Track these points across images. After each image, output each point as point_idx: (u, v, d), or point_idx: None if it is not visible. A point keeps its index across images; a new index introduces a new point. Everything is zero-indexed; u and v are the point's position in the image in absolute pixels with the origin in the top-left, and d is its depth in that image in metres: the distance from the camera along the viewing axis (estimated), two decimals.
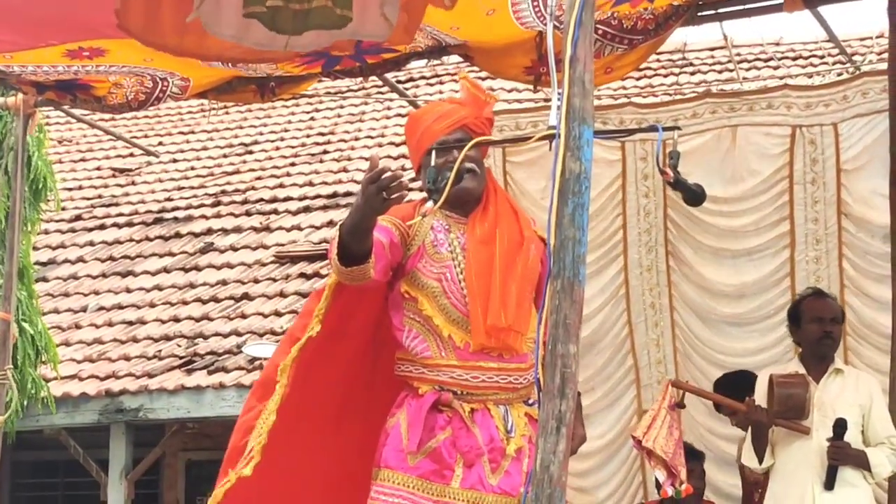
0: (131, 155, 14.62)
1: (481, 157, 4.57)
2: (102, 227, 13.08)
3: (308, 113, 14.70)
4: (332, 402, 4.63)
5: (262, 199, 12.71)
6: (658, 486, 6.10)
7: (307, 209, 12.26)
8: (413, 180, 5.61)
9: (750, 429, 5.99)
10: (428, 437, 4.38)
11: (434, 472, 4.36)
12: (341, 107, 14.62)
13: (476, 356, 4.39)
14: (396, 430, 4.43)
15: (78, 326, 11.04)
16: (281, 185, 12.90)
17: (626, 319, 6.92)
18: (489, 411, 4.40)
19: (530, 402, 4.48)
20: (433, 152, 4.39)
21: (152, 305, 11.17)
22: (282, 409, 4.51)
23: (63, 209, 13.26)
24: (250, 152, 14.08)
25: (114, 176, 14.37)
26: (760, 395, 5.98)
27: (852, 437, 5.80)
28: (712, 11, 5.52)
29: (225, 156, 14.17)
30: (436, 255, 4.46)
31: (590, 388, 6.83)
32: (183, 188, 13.53)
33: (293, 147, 13.89)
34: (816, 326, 6.01)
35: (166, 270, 11.79)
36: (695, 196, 4.18)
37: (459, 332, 4.40)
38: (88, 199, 13.80)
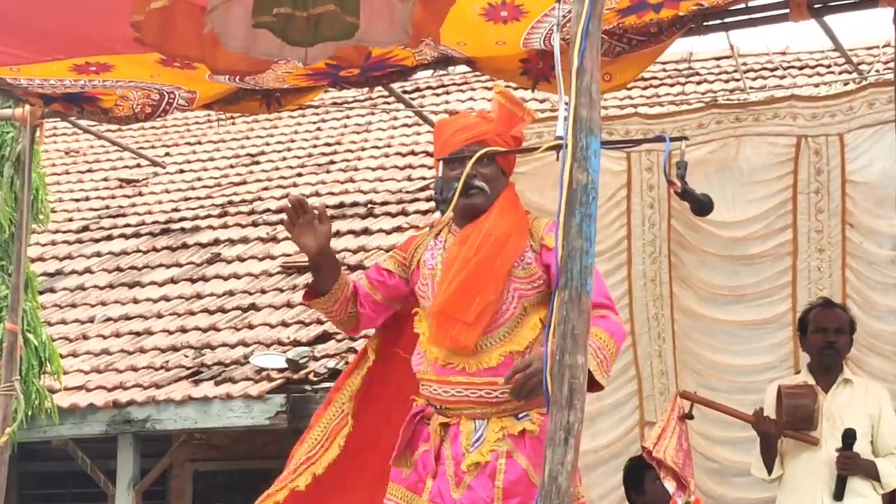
0: (138, 166, 14.62)
1: (493, 173, 4.53)
2: (109, 237, 13.07)
3: (314, 123, 14.70)
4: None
5: (268, 210, 12.71)
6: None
7: None
8: (425, 179, 5.64)
9: (759, 439, 5.99)
10: (414, 449, 4.50)
11: (414, 484, 4.49)
12: (347, 117, 14.63)
13: (445, 370, 4.43)
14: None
15: (85, 337, 11.05)
16: (287, 196, 12.86)
17: (629, 330, 6.90)
18: (460, 426, 4.42)
19: (520, 415, 4.46)
20: (441, 164, 4.43)
21: (159, 316, 11.16)
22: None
23: (70, 220, 13.30)
24: (257, 163, 14.09)
25: (121, 187, 14.37)
26: (769, 406, 5.98)
27: (861, 447, 5.80)
28: (718, 21, 5.53)
29: (231, 166, 14.17)
30: (426, 272, 4.56)
31: (595, 397, 6.84)
32: (190, 199, 13.53)
33: (299, 157, 13.90)
34: (820, 336, 6.03)
35: (173, 281, 11.78)
36: (702, 206, 4.18)
37: (434, 346, 4.46)
38: (95, 209, 13.80)
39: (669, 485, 5.79)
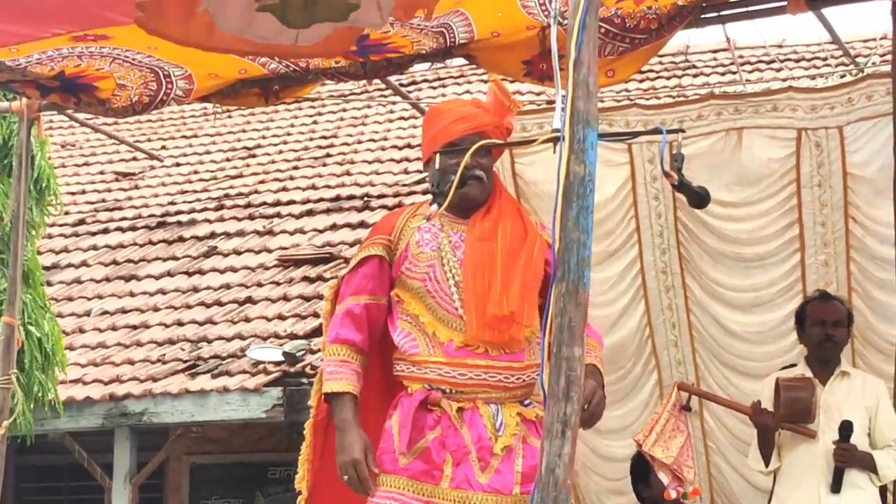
0: (134, 159, 14.62)
1: (490, 164, 4.56)
2: (106, 231, 13.07)
3: (311, 116, 14.70)
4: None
5: (265, 203, 12.71)
6: None
7: (310, 213, 12.26)
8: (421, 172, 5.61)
9: (756, 432, 5.99)
10: (418, 437, 4.39)
11: (424, 473, 4.37)
12: (344, 110, 14.62)
13: (462, 353, 4.38)
14: (389, 431, 4.45)
15: (82, 331, 11.05)
16: (284, 189, 12.90)
17: (647, 321, 6.92)
18: (478, 410, 4.40)
19: (526, 402, 4.47)
20: (438, 155, 4.42)
21: (156, 309, 11.16)
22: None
23: (66, 213, 13.29)
24: (253, 156, 14.08)
25: (117, 180, 14.37)
26: (766, 399, 5.98)
27: (859, 439, 5.80)
28: (715, 13, 5.51)
29: (228, 160, 14.17)
30: (420, 254, 4.49)
31: (626, 393, 6.89)
32: (186, 192, 13.53)
33: (296, 151, 13.89)
34: (819, 330, 6.03)
35: (170, 274, 11.78)
36: (699, 198, 4.18)
37: (444, 328, 4.42)
38: (92, 203, 13.80)
39: (664, 477, 5.79)
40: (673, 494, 5.77)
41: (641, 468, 6.39)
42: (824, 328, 6.02)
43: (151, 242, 12.54)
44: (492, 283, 4.35)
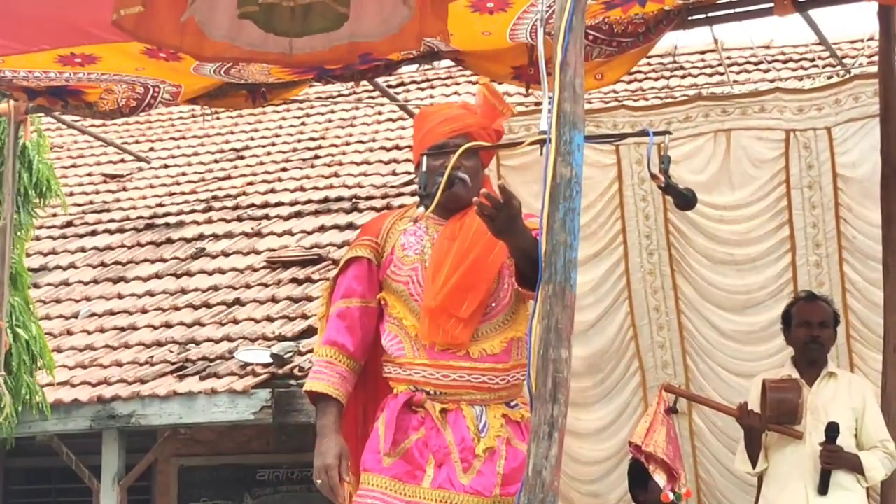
0: (122, 161, 14.60)
1: (477, 166, 4.55)
2: (94, 233, 13.05)
3: (299, 118, 14.69)
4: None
5: (253, 205, 12.70)
6: None
7: (298, 214, 12.26)
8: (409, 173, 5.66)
9: (743, 433, 5.99)
10: (402, 437, 4.42)
11: (407, 473, 4.39)
12: (332, 112, 14.62)
13: (445, 355, 4.40)
14: (376, 432, 4.48)
15: (70, 333, 11.03)
16: (272, 191, 12.89)
17: (631, 323, 6.91)
18: (462, 411, 4.41)
19: (511, 403, 4.48)
20: (426, 157, 4.41)
21: (144, 311, 11.15)
22: None
23: (55, 215, 13.27)
24: (241, 158, 14.07)
25: (105, 182, 14.35)
26: (753, 400, 5.99)
27: (845, 440, 5.80)
28: (703, 15, 5.53)
29: (216, 161, 14.16)
30: (405, 257, 4.52)
31: (605, 396, 6.88)
32: (174, 194, 13.51)
33: (284, 152, 13.88)
34: (804, 331, 6.02)
35: (158, 276, 11.76)
36: (685, 200, 4.18)
37: (426, 340, 4.43)
38: (80, 205, 13.77)
39: (660, 478, 5.80)
40: (670, 496, 5.78)
41: (639, 474, 6.39)
42: (810, 329, 6.02)
43: (139, 244, 12.52)
44: (435, 279, 4.38)
